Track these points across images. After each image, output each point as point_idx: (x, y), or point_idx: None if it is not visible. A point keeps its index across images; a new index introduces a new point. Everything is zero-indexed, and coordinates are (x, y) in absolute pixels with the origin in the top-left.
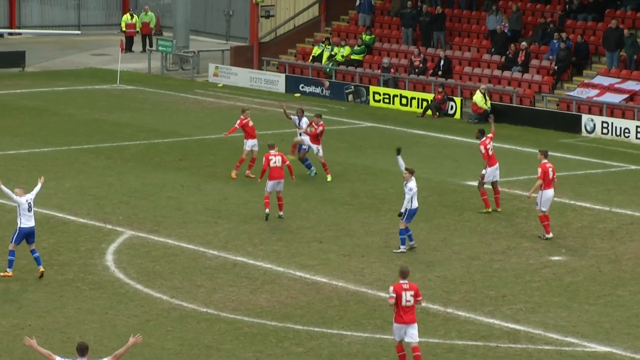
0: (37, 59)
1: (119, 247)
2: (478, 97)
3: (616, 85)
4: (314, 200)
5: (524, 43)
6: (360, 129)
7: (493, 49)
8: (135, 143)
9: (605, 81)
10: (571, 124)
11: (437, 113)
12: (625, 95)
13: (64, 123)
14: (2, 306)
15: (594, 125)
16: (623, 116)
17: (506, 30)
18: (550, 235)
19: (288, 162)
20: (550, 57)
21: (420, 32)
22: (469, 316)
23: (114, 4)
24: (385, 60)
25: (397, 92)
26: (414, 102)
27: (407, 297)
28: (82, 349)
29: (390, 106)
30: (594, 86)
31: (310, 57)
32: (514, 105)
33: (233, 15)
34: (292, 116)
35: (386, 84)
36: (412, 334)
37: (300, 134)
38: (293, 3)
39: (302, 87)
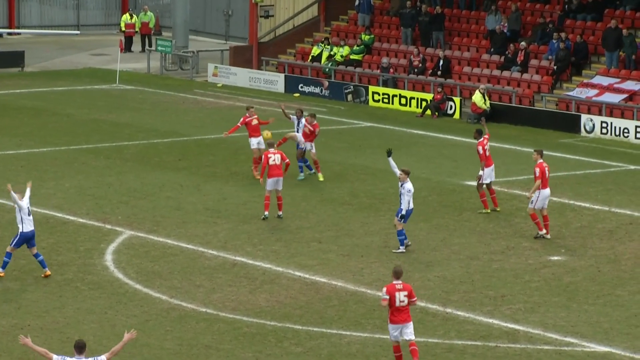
0: (36, 59)
1: (118, 247)
2: (477, 97)
3: (615, 85)
4: (313, 200)
5: (523, 43)
6: (360, 129)
7: (492, 49)
8: (135, 143)
9: (605, 81)
10: (570, 124)
11: (437, 113)
12: (625, 95)
13: (63, 123)
14: (1, 306)
15: (593, 125)
16: (622, 116)
17: (505, 30)
18: (544, 232)
19: (287, 160)
20: (550, 57)
21: (420, 32)
22: (468, 316)
23: (113, 4)
24: (385, 60)
25: (397, 92)
26: (413, 102)
27: (401, 297)
28: (80, 347)
29: (390, 106)
30: (593, 86)
31: (310, 57)
32: (513, 105)
33: (232, 15)
34: (291, 116)
35: (385, 84)
36: (408, 332)
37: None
38: (292, 3)
39: (302, 87)
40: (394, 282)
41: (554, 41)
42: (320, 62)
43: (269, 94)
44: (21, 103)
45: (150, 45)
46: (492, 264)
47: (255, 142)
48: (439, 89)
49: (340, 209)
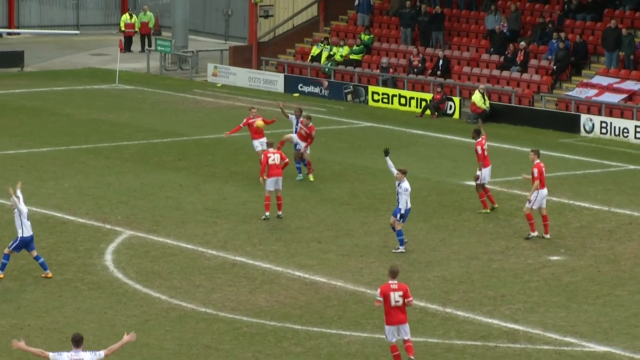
0: (36, 59)
1: (117, 247)
2: (477, 97)
3: (615, 85)
4: (313, 200)
5: (522, 43)
6: (359, 129)
7: (492, 49)
8: (134, 143)
9: (604, 81)
10: (570, 124)
11: (436, 113)
12: (624, 95)
13: (63, 123)
14: (0, 306)
15: (593, 125)
16: (622, 116)
17: (505, 30)
18: (535, 233)
19: (287, 160)
20: (549, 57)
21: (419, 32)
22: (468, 316)
23: (112, 3)
24: (384, 60)
25: (396, 92)
26: (413, 102)
27: (396, 297)
28: (77, 340)
29: (389, 106)
30: (593, 86)
31: (309, 57)
32: (513, 105)
33: (232, 15)
34: (289, 115)
35: (385, 84)
36: (405, 331)
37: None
38: (292, 3)
39: (301, 87)
40: (390, 281)
41: (554, 41)
42: (319, 62)
43: (269, 93)
44: (21, 103)
45: (149, 45)
46: (492, 264)
47: (258, 144)
48: (439, 89)
49: (340, 209)
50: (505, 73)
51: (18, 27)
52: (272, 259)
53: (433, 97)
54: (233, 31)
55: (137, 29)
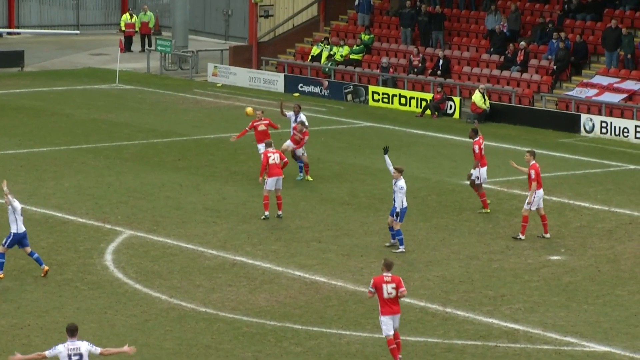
0: (36, 59)
1: (117, 247)
2: (477, 97)
3: (615, 85)
4: (312, 200)
5: (522, 43)
6: (359, 129)
7: (492, 49)
8: (134, 143)
9: (604, 81)
10: (570, 124)
11: (436, 113)
12: (624, 95)
13: (63, 123)
14: (0, 306)
15: (593, 124)
16: (622, 116)
17: (505, 30)
18: (523, 237)
19: (286, 160)
20: (549, 56)
21: (419, 31)
22: (468, 316)
23: (112, 3)
24: (384, 60)
25: (396, 91)
26: (413, 102)
27: (389, 289)
28: (72, 330)
29: (389, 106)
30: (593, 86)
31: (309, 57)
32: (513, 104)
33: (232, 15)
34: (287, 113)
35: (385, 84)
36: (396, 324)
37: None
38: (292, 3)
39: (301, 87)
40: (383, 274)
41: (554, 41)
42: (320, 61)
43: (269, 93)
44: (20, 103)
45: (150, 45)
46: (492, 263)
47: (262, 148)
48: (439, 89)
49: (340, 208)
50: (505, 73)
51: (18, 27)
52: (272, 258)
53: (433, 97)
54: (233, 31)
55: (137, 29)
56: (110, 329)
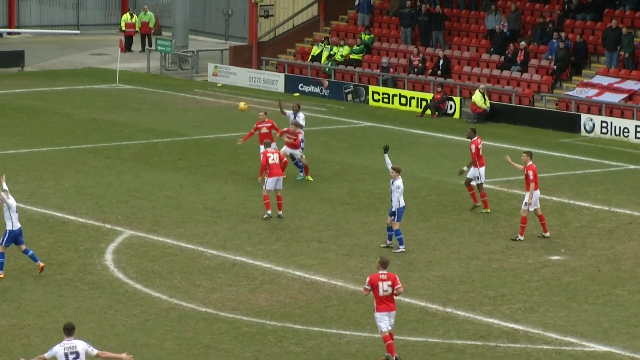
0: (36, 59)
1: (117, 247)
2: (477, 97)
3: (615, 85)
4: (312, 200)
5: (522, 43)
6: (359, 129)
7: (492, 49)
8: (134, 143)
9: (604, 81)
10: (570, 124)
11: (436, 113)
12: (625, 95)
13: (63, 123)
14: (0, 306)
15: (593, 124)
16: (622, 116)
17: (505, 30)
18: (522, 238)
19: (285, 159)
20: (549, 56)
21: (419, 31)
22: (468, 316)
23: (112, 3)
24: (384, 59)
25: (396, 91)
26: (413, 102)
27: (385, 287)
28: (69, 329)
29: (390, 106)
30: (593, 86)
31: (310, 57)
32: (513, 104)
33: (232, 15)
34: (286, 111)
35: (385, 84)
36: (392, 322)
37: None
38: (292, 3)
39: (302, 87)
40: (379, 272)
41: (554, 41)
42: (320, 61)
43: (269, 93)
44: (20, 103)
45: (150, 45)
46: (492, 263)
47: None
48: (439, 89)
49: (340, 208)
50: (506, 73)
51: (18, 27)
52: (272, 258)
53: (433, 97)
54: (233, 31)
55: (137, 29)
56: (110, 329)
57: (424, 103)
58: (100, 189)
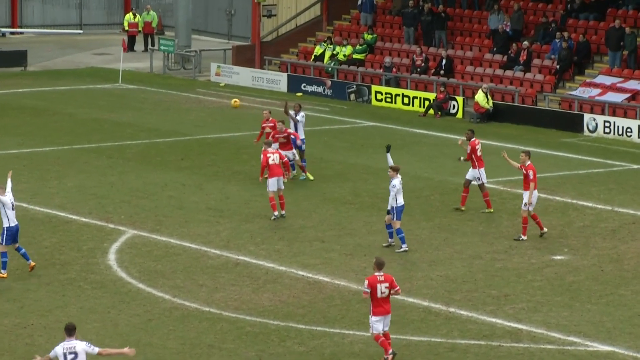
0: (39, 58)
1: (121, 247)
2: (480, 97)
3: (618, 85)
4: (315, 200)
5: (525, 42)
6: (362, 128)
7: (495, 49)
8: (137, 142)
9: (607, 80)
10: (573, 124)
11: (439, 112)
12: (628, 95)
13: (65, 122)
14: (4, 305)
15: (596, 124)
16: (625, 115)
17: (508, 30)
18: (525, 237)
19: (285, 159)
20: (552, 56)
21: (422, 31)
22: (471, 315)
23: (115, 3)
24: (387, 59)
25: (399, 91)
26: (416, 102)
27: (382, 289)
28: (70, 329)
29: (392, 105)
30: (596, 85)
31: (312, 57)
32: (516, 104)
33: (235, 15)
34: (290, 112)
35: (388, 84)
36: (387, 323)
37: (296, 126)
38: (295, 2)
39: (304, 87)
40: (376, 273)
41: (557, 40)
42: (322, 61)
43: (272, 93)
44: (23, 102)
45: (152, 45)
46: (495, 263)
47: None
48: (442, 89)
49: (343, 208)
50: (509, 72)
51: (21, 27)
52: (275, 258)
53: (436, 97)
54: (236, 31)
55: (140, 29)
56: (113, 329)
57: (426, 103)
58: (103, 189)
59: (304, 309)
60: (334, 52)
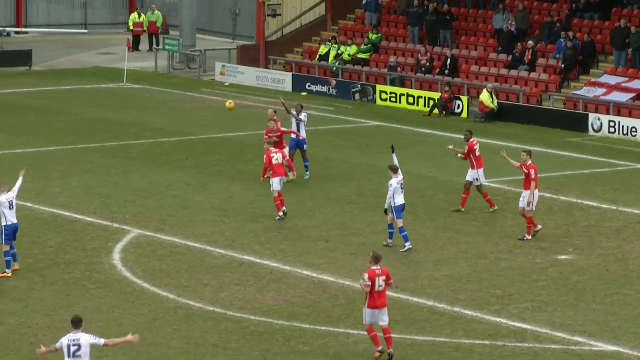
0: (44, 58)
1: (125, 246)
2: (485, 96)
3: (623, 84)
4: (320, 199)
5: (530, 42)
6: (367, 128)
7: (499, 48)
8: (141, 142)
9: (612, 80)
10: (578, 123)
11: (444, 112)
12: (632, 94)
13: (70, 122)
14: (8, 304)
15: (601, 124)
16: (630, 115)
17: (512, 29)
18: (529, 237)
19: (288, 158)
20: (557, 55)
21: (427, 30)
22: (476, 315)
23: (120, 3)
24: (392, 59)
25: (404, 90)
26: (421, 101)
27: (380, 282)
28: (76, 322)
29: (397, 105)
30: (601, 85)
31: (317, 56)
32: (521, 104)
33: (239, 14)
34: (292, 110)
35: (393, 83)
36: (384, 318)
37: (298, 125)
38: (299, 2)
39: (309, 86)
40: (373, 267)
41: (562, 40)
42: (327, 60)
43: (277, 92)
44: (28, 102)
45: (157, 44)
46: (500, 262)
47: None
48: (447, 88)
49: (347, 207)
50: (513, 72)
51: (26, 26)
52: (279, 257)
53: (441, 96)
54: (240, 30)
55: (145, 28)
56: (117, 328)
57: (431, 102)
58: (108, 188)
59: (309, 309)
60: (339, 52)
